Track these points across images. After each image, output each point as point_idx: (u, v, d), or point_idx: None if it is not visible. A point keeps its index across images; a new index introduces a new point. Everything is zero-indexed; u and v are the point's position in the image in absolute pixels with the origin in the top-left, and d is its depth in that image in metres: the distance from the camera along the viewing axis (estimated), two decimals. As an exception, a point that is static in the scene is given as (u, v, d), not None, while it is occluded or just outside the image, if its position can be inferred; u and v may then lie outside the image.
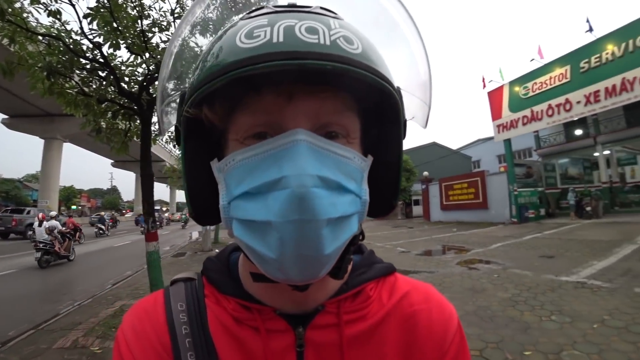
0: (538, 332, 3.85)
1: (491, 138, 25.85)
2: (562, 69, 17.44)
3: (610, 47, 15.33)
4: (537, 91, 18.57)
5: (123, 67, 4.16)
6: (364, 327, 0.45)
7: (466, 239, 12.73)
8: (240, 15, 0.38)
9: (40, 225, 9.99)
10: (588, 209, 16.72)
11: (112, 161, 51.93)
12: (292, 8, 0.35)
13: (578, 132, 20.78)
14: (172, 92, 0.46)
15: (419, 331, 0.47)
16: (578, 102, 16.51)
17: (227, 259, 0.52)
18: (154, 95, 4.93)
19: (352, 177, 0.37)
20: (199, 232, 17.82)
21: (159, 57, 3.68)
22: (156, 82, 5.15)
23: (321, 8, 0.36)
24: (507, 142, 19.91)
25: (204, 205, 0.42)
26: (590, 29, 16.74)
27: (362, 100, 0.39)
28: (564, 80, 17.27)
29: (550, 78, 17.93)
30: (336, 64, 0.31)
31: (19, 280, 8.37)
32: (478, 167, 35.60)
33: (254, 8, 0.37)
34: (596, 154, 19.61)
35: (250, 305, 0.44)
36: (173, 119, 0.46)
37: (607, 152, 19.75)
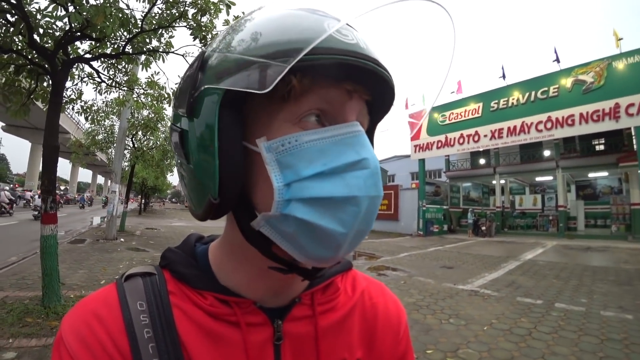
0: (438, 333, 4.21)
1: (407, 156, 28.09)
2: (475, 105, 20.45)
3: (516, 94, 18.87)
4: (453, 120, 21.34)
5: (39, 16, 3.57)
6: (334, 318, 0.48)
7: (377, 246, 13.45)
8: (300, 6, 0.39)
9: None
10: (483, 228, 19.18)
11: (3, 124, 44.08)
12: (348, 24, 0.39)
13: (482, 161, 23.86)
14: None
15: (378, 322, 0.52)
16: (485, 136, 19.60)
17: (192, 251, 0.48)
18: (73, 57, 4.37)
19: None
20: (101, 217, 16.18)
21: (86, 14, 3.24)
22: (77, 42, 4.69)
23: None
24: (422, 161, 22.37)
25: (235, 191, 0.37)
26: (504, 76, 19.98)
27: (371, 108, 0.43)
28: (476, 115, 20.36)
29: (465, 111, 20.84)
30: (390, 77, 0.39)
31: None
32: (392, 181, 37.81)
33: (314, 9, 0.39)
34: (494, 182, 22.48)
35: (229, 299, 0.43)
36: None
37: (502, 181, 22.86)
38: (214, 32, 4.53)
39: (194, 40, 4.67)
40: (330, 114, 0.38)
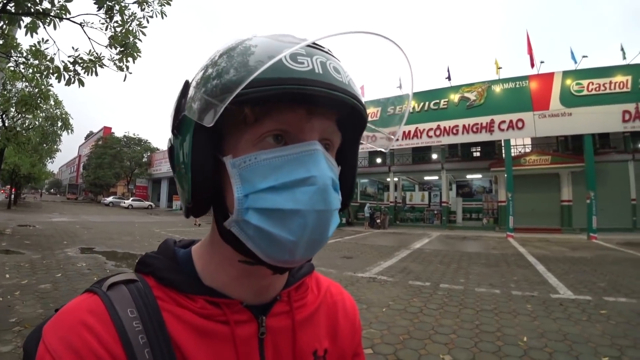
0: (342, 316, 4.40)
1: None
2: (375, 109, 21.68)
3: (412, 103, 20.32)
4: (355, 122, 22.79)
5: None
6: (306, 314, 0.54)
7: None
8: (263, 34, 0.43)
9: None
10: (378, 221, 20.71)
11: None
12: (317, 46, 0.42)
13: (378, 160, 25.68)
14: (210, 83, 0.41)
15: (339, 316, 0.59)
16: (382, 137, 21.30)
17: (173, 255, 0.51)
18: None
19: (337, 180, 0.45)
20: None
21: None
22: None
23: (329, 51, 0.44)
24: (324, 159, 23.15)
25: (205, 197, 0.42)
26: (400, 87, 21.37)
27: (345, 125, 0.47)
28: (375, 118, 21.72)
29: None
30: (351, 99, 0.41)
31: None
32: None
33: (278, 33, 0.43)
34: (388, 179, 24.40)
35: (219, 301, 0.46)
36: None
37: (396, 179, 25.04)
38: (122, 3, 4.01)
39: (97, 10, 4.08)
40: (292, 133, 0.41)
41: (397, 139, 0.58)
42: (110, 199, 41.94)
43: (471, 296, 5.54)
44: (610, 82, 16.49)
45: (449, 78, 20.72)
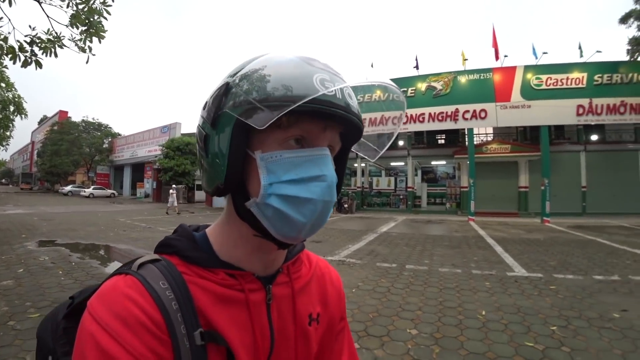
0: (314, 296, 4.54)
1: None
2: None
3: (379, 92, 20.49)
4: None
5: None
6: (302, 283, 0.63)
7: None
8: (294, 54, 0.51)
9: None
10: (346, 206, 20.94)
11: None
12: (334, 71, 0.51)
13: None
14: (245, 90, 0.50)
15: (327, 287, 0.70)
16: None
17: (192, 237, 0.58)
18: None
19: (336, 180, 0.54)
20: None
21: None
22: None
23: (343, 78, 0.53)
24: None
25: (235, 182, 0.51)
26: (417, 67, 21.44)
27: (344, 136, 0.57)
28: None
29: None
30: (357, 121, 0.52)
31: None
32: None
33: (306, 56, 0.52)
34: (356, 165, 24.58)
35: (235, 273, 0.55)
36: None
37: (363, 164, 25.22)
38: None
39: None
40: (309, 139, 0.51)
41: (381, 153, 0.71)
42: (69, 188, 39.47)
43: (435, 276, 5.83)
44: (567, 78, 17.53)
45: (417, 67, 20.99)
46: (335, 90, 0.48)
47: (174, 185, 21.72)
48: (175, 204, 18.57)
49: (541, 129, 17.23)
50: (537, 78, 17.69)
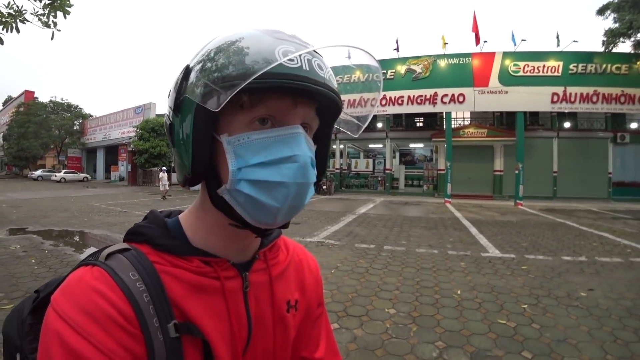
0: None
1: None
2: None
3: (358, 73, 20.39)
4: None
5: None
6: (279, 270, 0.62)
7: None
8: (257, 28, 0.49)
9: None
10: (324, 187, 20.93)
11: None
12: (303, 42, 0.49)
13: None
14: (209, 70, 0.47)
15: (304, 273, 0.69)
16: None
17: (164, 224, 0.55)
18: None
19: (314, 158, 0.52)
20: None
21: None
22: None
23: (315, 50, 0.49)
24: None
25: (202, 169, 0.48)
26: (397, 49, 21.32)
27: (322, 111, 0.54)
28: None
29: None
30: (331, 93, 0.48)
31: None
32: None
33: (270, 29, 0.49)
34: (334, 147, 24.60)
35: (210, 260, 0.52)
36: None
37: (342, 146, 25.31)
38: None
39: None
40: (278, 118, 0.47)
41: (364, 126, 0.69)
42: (39, 172, 37.35)
43: (412, 256, 5.95)
44: (544, 66, 17.88)
45: (397, 49, 20.92)
46: (301, 61, 0.45)
47: (163, 168, 20.40)
48: (167, 187, 17.47)
49: (517, 114, 17.59)
50: (515, 65, 17.95)
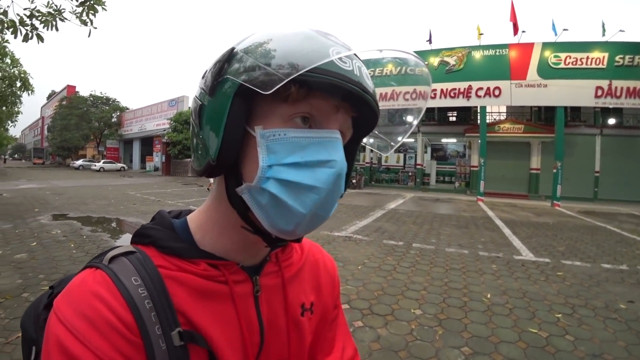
0: (320, 272, 4.59)
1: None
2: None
3: (390, 66, 20.10)
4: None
5: None
6: (293, 271, 0.60)
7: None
8: (313, 29, 0.47)
9: None
10: (354, 181, 20.86)
11: None
12: (351, 48, 0.47)
13: None
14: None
15: (320, 272, 0.67)
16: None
17: (171, 226, 0.54)
18: None
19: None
20: None
21: None
22: None
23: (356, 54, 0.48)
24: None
25: (229, 159, 0.45)
26: (430, 41, 21.59)
27: (356, 123, 0.52)
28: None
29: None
30: (375, 105, 0.48)
31: None
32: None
33: (322, 31, 0.48)
34: (364, 140, 24.39)
35: (218, 263, 0.51)
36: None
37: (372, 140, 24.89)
38: None
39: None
40: (318, 119, 0.46)
41: (394, 148, 0.67)
42: (80, 162, 39.78)
43: (441, 255, 5.84)
44: (588, 58, 16.62)
45: (430, 41, 20.32)
46: (352, 65, 0.44)
47: None
48: (212, 179, 18.02)
49: (557, 109, 16.67)
50: (555, 56, 16.86)
